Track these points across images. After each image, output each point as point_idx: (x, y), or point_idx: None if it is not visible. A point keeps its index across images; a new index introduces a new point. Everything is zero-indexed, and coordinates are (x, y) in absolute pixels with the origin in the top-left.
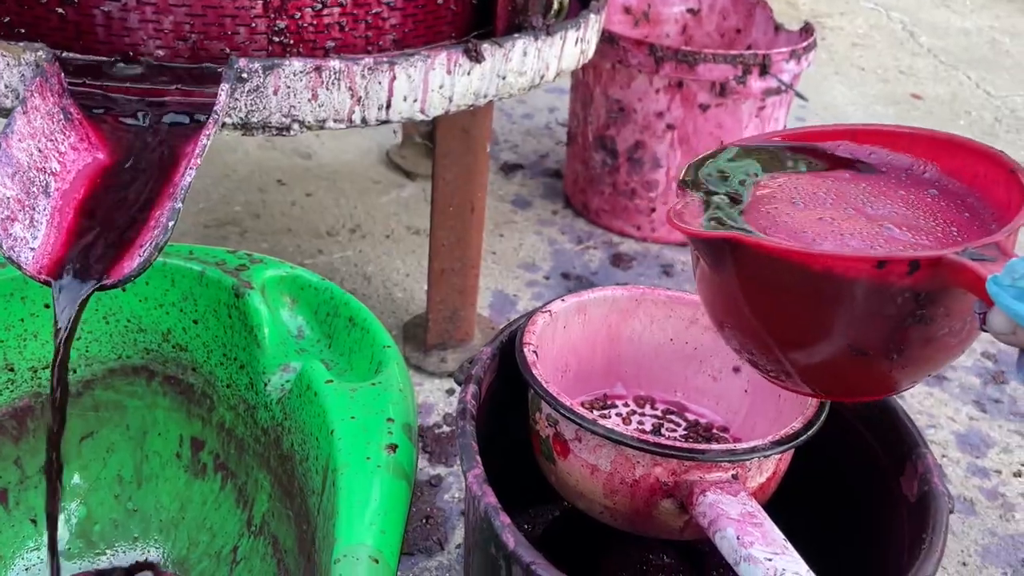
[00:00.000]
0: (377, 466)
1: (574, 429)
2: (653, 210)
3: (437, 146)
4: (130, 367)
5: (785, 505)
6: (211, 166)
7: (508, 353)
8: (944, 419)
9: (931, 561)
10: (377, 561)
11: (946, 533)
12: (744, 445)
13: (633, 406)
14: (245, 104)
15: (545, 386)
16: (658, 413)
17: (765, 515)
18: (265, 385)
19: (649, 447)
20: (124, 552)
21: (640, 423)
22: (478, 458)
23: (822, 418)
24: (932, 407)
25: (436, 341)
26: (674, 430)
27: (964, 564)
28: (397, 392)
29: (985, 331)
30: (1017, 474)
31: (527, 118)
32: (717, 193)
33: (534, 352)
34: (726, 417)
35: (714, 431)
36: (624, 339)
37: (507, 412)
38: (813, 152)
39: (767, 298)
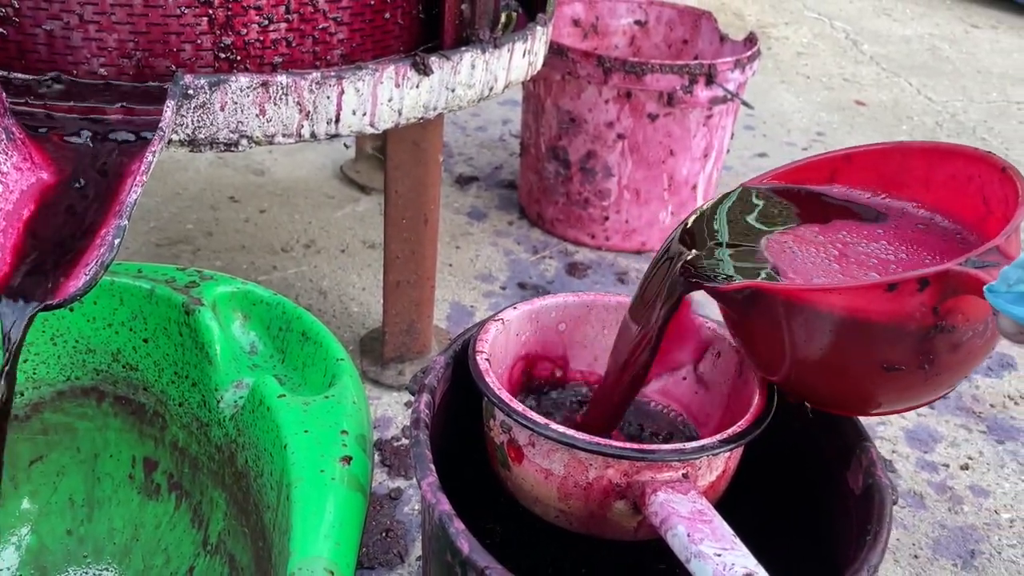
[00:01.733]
0: (331, 479)
1: (527, 435)
2: (606, 218)
3: (388, 159)
4: (80, 388)
5: (737, 499)
6: (161, 185)
7: (462, 362)
8: (893, 415)
9: (876, 552)
10: (332, 573)
11: (890, 524)
12: (693, 444)
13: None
14: (192, 120)
15: (498, 392)
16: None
17: (715, 512)
18: (218, 402)
19: (601, 449)
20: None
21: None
22: (432, 466)
23: (770, 415)
24: None
25: (393, 354)
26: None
27: (916, 557)
28: (351, 404)
29: None
30: (964, 467)
31: (481, 130)
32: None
33: (486, 360)
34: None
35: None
36: (577, 344)
37: (462, 421)
38: (807, 199)
39: (794, 336)
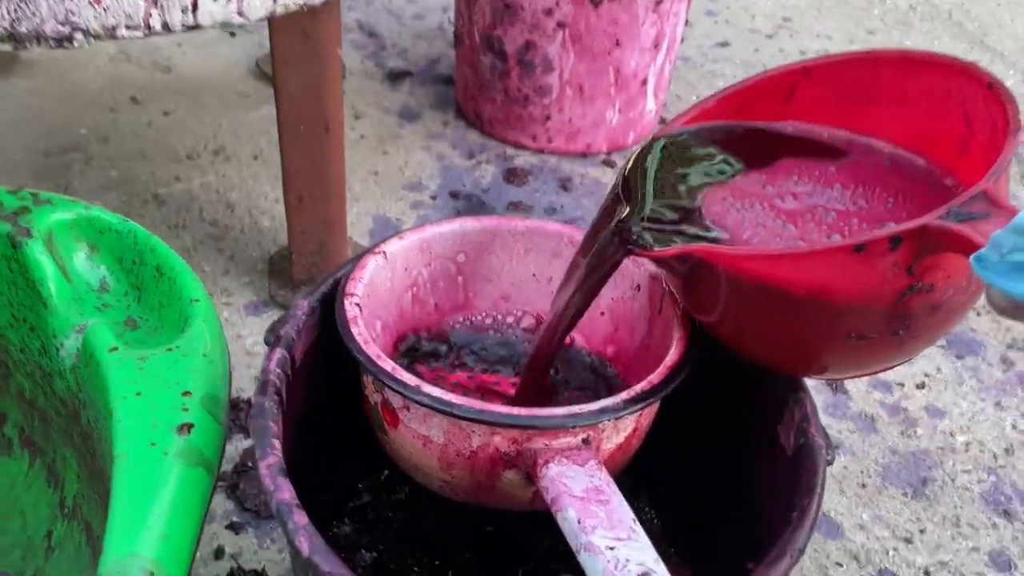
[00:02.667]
0: (163, 453)
1: (400, 398)
2: (548, 118)
3: (275, 56)
4: None
5: (654, 452)
6: (53, 84)
7: (332, 305)
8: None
9: (801, 532)
10: (152, 575)
11: (821, 494)
12: (591, 407)
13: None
14: (9, 10)
15: (364, 347)
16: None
17: (614, 490)
18: (58, 350)
19: (480, 416)
20: None
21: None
22: (275, 442)
23: (687, 367)
24: None
25: (303, 277)
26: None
27: (863, 486)
28: (200, 358)
29: None
30: (920, 385)
31: (418, 19)
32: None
33: (356, 306)
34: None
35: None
36: (480, 278)
37: (339, 376)
38: (755, 137)
39: (742, 307)
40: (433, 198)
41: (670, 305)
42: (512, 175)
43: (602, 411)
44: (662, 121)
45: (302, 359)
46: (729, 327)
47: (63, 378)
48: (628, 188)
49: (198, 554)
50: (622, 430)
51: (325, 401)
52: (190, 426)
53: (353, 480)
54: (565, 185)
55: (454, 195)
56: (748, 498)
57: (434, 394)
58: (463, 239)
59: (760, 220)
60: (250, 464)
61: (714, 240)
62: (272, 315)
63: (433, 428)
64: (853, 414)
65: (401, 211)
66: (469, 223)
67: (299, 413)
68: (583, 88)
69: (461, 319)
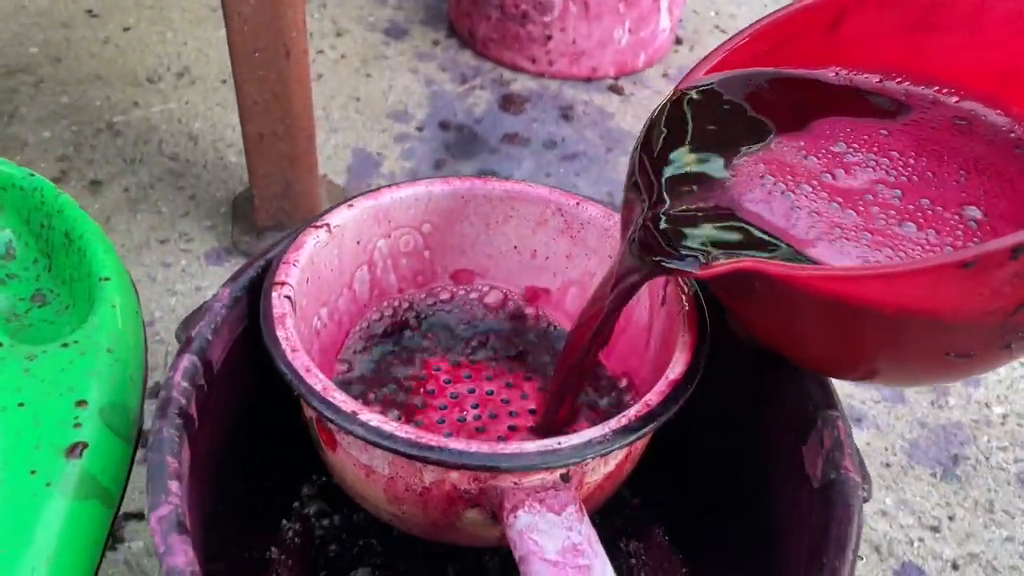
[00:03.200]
0: (45, 484)
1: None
2: (549, 38)
3: None
4: None
5: (650, 473)
6: None
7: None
8: None
9: None
10: None
11: (856, 548)
12: (570, 441)
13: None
14: None
15: (289, 358)
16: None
17: (597, 550)
18: None
19: (431, 456)
20: None
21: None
22: (171, 485)
23: (694, 382)
24: None
25: (269, 222)
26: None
27: (887, 465)
28: (102, 356)
29: None
30: None
31: None
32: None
33: (287, 299)
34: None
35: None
36: (450, 250)
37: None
38: (789, 88)
39: (818, 322)
40: (420, 129)
41: (674, 297)
42: (508, 102)
43: (586, 446)
44: (677, 41)
45: (223, 360)
46: (781, 339)
47: None
48: (646, 173)
49: None
50: (611, 459)
51: (261, 404)
52: (83, 446)
53: (295, 497)
54: (567, 114)
55: (444, 126)
56: (765, 526)
57: (372, 424)
58: (429, 205)
59: (812, 206)
60: None
61: (773, 248)
62: (236, 263)
63: (376, 459)
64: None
65: (383, 144)
66: (436, 186)
67: (225, 425)
68: (588, 4)
69: (428, 299)
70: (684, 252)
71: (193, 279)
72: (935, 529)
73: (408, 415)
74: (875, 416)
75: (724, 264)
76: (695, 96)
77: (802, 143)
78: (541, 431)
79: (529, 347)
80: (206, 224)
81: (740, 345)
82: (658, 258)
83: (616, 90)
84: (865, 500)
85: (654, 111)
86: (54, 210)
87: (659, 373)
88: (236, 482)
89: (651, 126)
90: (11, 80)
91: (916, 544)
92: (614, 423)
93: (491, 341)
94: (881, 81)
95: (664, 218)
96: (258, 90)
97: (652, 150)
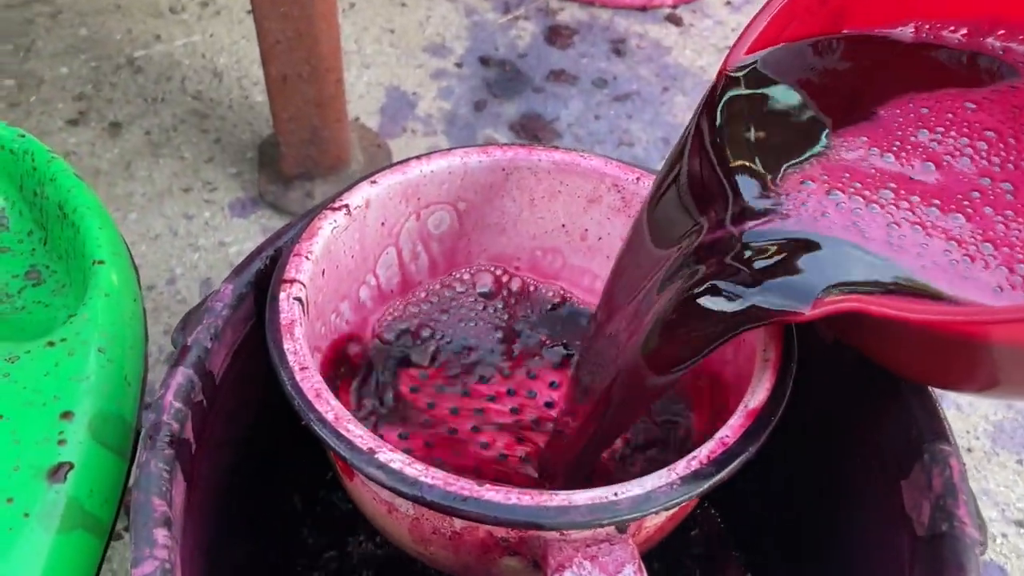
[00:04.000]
0: (23, 514)
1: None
2: None
3: None
4: None
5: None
6: None
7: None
8: None
9: None
10: None
11: None
12: (628, 492)
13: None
14: None
15: (298, 378)
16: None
17: None
18: None
19: (461, 508)
20: None
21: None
22: (158, 535)
23: (779, 409)
24: None
25: (296, 170)
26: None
27: (969, 450)
28: (93, 356)
29: None
30: None
31: None
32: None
33: (297, 301)
34: None
35: None
36: (488, 230)
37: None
38: (858, 55)
39: (937, 353)
40: (459, 65)
41: None
42: (555, 35)
43: (647, 499)
44: None
45: (227, 369)
46: (895, 363)
47: None
48: (705, 189)
49: None
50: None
51: (276, 416)
52: (68, 468)
53: (319, 523)
54: (618, 48)
55: (484, 61)
56: (847, 564)
57: (393, 466)
58: (464, 179)
59: (909, 217)
60: None
61: (884, 275)
62: (262, 216)
63: (399, 497)
64: (986, 531)
65: (419, 82)
66: (472, 157)
67: (231, 444)
68: None
69: (461, 286)
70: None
71: (217, 233)
72: (1021, 524)
73: (439, 422)
74: (955, 396)
75: (834, 304)
76: (737, 89)
77: (867, 137)
78: (567, 472)
79: (575, 341)
80: (231, 171)
81: (827, 354)
82: (744, 320)
83: (674, 20)
84: (980, 554)
85: (698, 106)
86: (47, 178)
87: (721, 381)
88: (247, 509)
89: (696, 130)
90: (27, 11)
91: (1000, 540)
92: (682, 467)
93: (533, 335)
94: (971, 37)
95: (749, 251)
96: (280, 28)
97: (703, 163)
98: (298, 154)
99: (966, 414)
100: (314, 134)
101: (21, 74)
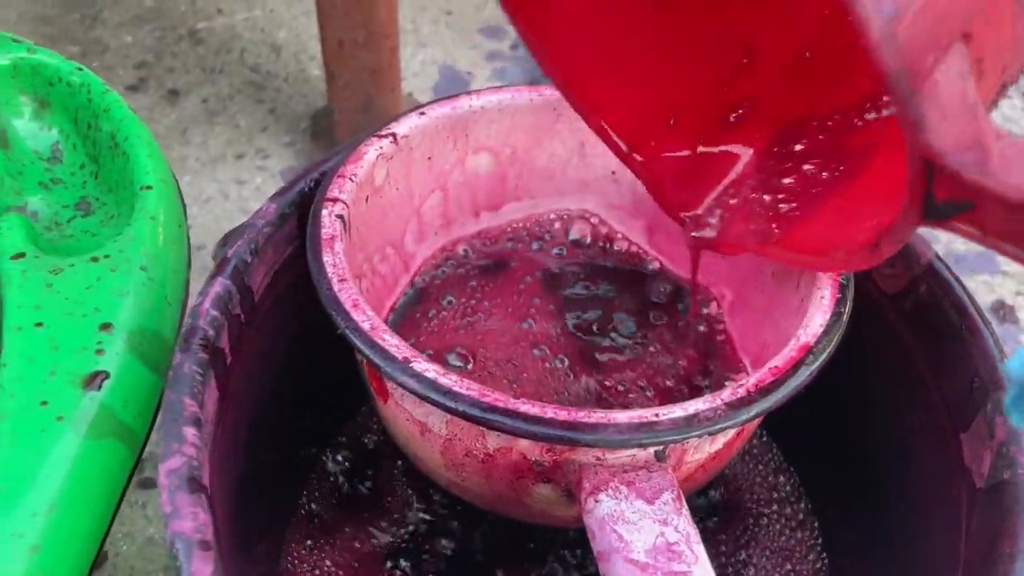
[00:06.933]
0: (57, 418)
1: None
2: None
3: None
4: None
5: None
6: None
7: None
8: None
9: None
10: None
11: None
12: (671, 413)
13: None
14: None
15: (335, 289)
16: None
17: (699, 552)
18: None
19: (494, 420)
20: None
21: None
22: (188, 433)
23: (833, 343)
24: None
25: (349, 138)
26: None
27: None
28: (136, 274)
29: None
30: None
31: None
32: None
33: (339, 219)
34: (711, 283)
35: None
36: (536, 174)
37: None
38: None
39: None
40: (514, 48)
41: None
42: None
43: (690, 422)
44: None
45: (267, 288)
46: None
47: None
48: None
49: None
50: (720, 437)
51: (315, 342)
52: (103, 376)
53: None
54: None
55: None
56: (904, 516)
57: (427, 375)
58: (515, 118)
59: None
60: None
61: None
62: None
63: (432, 415)
64: None
65: (474, 63)
66: (524, 95)
67: (270, 365)
68: None
69: (507, 230)
70: None
71: (267, 198)
72: None
73: (481, 367)
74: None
75: None
76: None
77: None
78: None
79: (615, 287)
80: (284, 140)
81: (885, 302)
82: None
83: None
84: None
85: None
86: (101, 109)
87: (767, 314)
88: (280, 432)
89: None
90: None
91: None
92: (727, 394)
93: (579, 283)
94: None
95: None
96: None
97: None
98: (351, 121)
99: None
100: (368, 102)
101: (86, 42)
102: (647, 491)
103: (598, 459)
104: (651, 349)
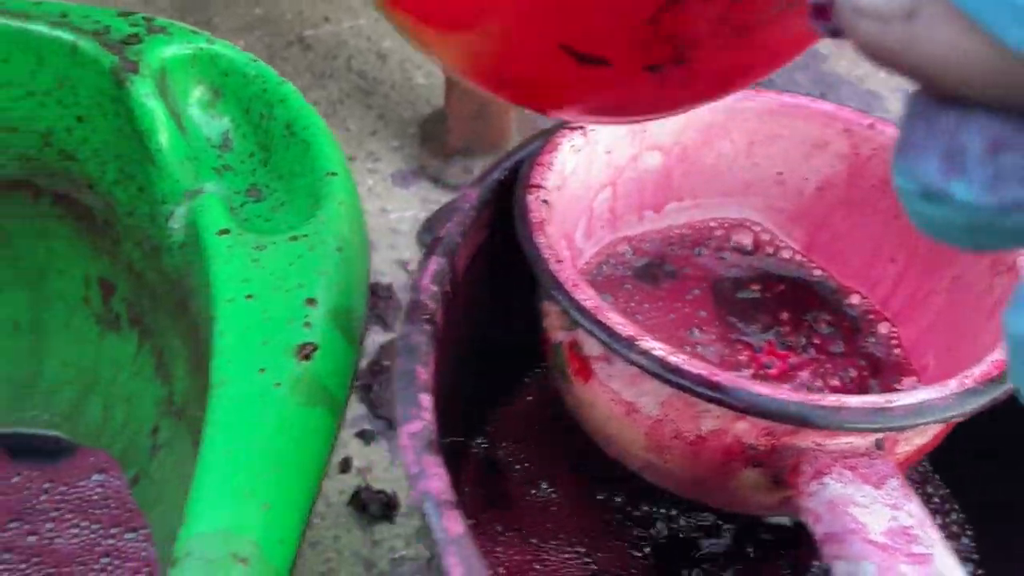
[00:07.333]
0: (274, 384)
1: (600, 346)
2: None
3: None
4: (5, 181)
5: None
6: None
7: (508, 198)
8: None
9: None
10: (247, 561)
11: None
12: (903, 400)
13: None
14: None
15: (555, 269)
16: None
17: (936, 536)
18: (167, 219)
19: (730, 397)
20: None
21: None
22: (424, 399)
23: None
24: None
25: (459, 145)
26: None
27: None
28: (333, 254)
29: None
30: None
31: None
32: None
33: (544, 203)
34: (874, 294)
35: (867, 315)
36: (702, 174)
37: (514, 292)
38: None
39: None
40: None
41: None
42: None
43: (920, 409)
44: None
45: (466, 269)
46: None
47: (171, 254)
48: None
49: None
50: (932, 428)
51: (495, 323)
52: (312, 348)
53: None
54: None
55: None
56: None
57: (655, 353)
58: (692, 115)
59: None
60: (386, 363)
61: None
62: (421, 188)
63: (645, 395)
64: None
65: None
66: None
67: (464, 342)
68: None
69: (668, 233)
70: None
71: (379, 200)
72: None
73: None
74: None
75: None
76: None
77: None
78: None
79: (778, 296)
80: (393, 144)
81: None
82: None
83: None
84: None
85: None
86: (276, 99)
87: (944, 317)
88: (463, 406)
89: None
90: None
91: None
92: (955, 384)
93: (744, 289)
94: None
95: None
96: None
97: None
98: (464, 128)
99: None
100: (481, 109)
101: None
102: (872, 477)
103: (817, 444)
104: (819, 356)
